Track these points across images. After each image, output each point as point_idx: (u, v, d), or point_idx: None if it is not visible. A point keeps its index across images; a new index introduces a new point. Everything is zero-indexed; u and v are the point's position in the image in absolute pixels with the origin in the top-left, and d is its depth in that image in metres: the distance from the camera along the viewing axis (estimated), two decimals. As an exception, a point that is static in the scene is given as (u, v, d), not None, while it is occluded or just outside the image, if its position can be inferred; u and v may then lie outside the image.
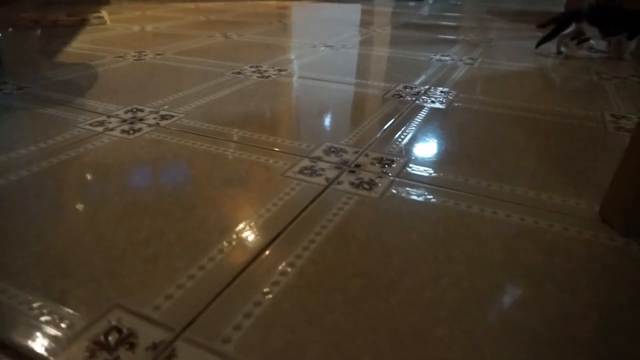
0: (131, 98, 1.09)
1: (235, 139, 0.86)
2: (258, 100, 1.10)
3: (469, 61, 1.56)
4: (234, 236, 0.57)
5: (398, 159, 0.79)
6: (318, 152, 0.81)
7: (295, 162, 0.77)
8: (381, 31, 2.16)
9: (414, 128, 0.94)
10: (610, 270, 0.52)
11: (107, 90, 1.15)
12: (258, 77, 1.30)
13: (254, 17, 2.51)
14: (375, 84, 1.25)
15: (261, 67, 1.41)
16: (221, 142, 0.85)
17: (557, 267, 0.53)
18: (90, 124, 0.92)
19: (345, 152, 0.81)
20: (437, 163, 0.78)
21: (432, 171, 0.75)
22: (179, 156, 0.79)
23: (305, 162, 0.77)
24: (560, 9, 3.13)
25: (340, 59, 1.55)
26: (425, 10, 3.12)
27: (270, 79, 1.28)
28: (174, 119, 0.96)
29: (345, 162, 0.77)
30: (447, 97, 1.15)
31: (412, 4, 3.62)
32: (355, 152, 0.81)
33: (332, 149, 0.82)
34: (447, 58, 1.59)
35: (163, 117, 0.97)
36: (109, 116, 0.97)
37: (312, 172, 0.73)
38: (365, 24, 2.41)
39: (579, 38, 1.64)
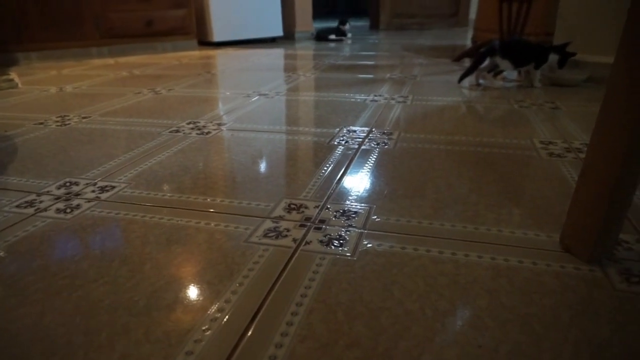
0: (61, 170, 1.00)
1: (189, 206, 0.82)
2: (204, 159, 1.05)
3: (401, 99, 1.63)
4: (209, 321, 0.52)
5: (360, 208, 0.78)
6: (279, 211, 0.78)
7: (258, 225, 0.74)
8: (311, 75, 2.21)
9: (368, 173, 0.94)
10: (586, 302, 0.54)
11: (32, 164, 1.05)
12: (198, 134, 1.26)
13: (180, 70, 2.47)
14: (319, 131, 1.26)
15: (199, 122, 1.37)
16: (174, 211, 0.80)
17: (538, 305, 0.54)
18: (17, 206, 0.83)
19: (307, 207, 0.79)
20: (399, 208, 0.79)
21: (396, 217, 0.75)
22: (130, 233, 0.73)
23: (268, 224, 0.74)
24: (465, 42, 3.42)
25: (278, 107, 1.55)
26: (346, 50, 3.26)
27: (211, 135, 1.25)
28: (116, 189, 0.89)
29: (309, 219, 0.75)
30: (391, 137, 1.19)
31: (332, 44, 3.77)
32: (317, 207, 0.79)
33: (293, 206, 0.80)
34: (381, 98, 1.65)
35: (103, 189, 0.89)
36: (38, 194, 0.88)
37: (278, 234, 0.71)
38: (292, 69, 2.46)
39: (494, 70, 1.79)
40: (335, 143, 1.15)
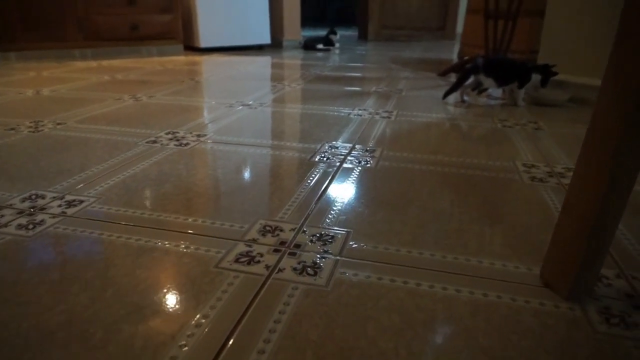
0: (28, 181, 0.96)
1: (159, 225, 0.78)
2: (179, 173, 1.02)
3: (385, 114, 1.61)
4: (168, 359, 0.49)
5: (338, 233, 0.76)
6: (253, 233, 0.75)
7: (230, 248, 0.71)
8: (296, 86, 2.19)
9: (348, 195, 0.92)
10: (565, 345, 0.52)
11: (-2, 174, 1.00)
12: (176, 145, 1.22)
13: (164, 76, 2.43)
14: (300, 146, 1.24)
15: (178, 133, 1.33)
16: (143, 230, 0.76)
17: (516, 348, 0.52)
18: (-23, 221, 0.79)
19: (282, 229, 0.77)
20: (378, 234, 0.76)
21: (374, 244, 0.73)
22: (94, 255, 0.69)
23: (241, 248, 0.71)
24: (451, 56, 3.44)
25: (260, 119, 1.53)
26: (334, 60, 3.26)
27: (189, 146, 1.21)
28: (84, 204, 0.85)
29: (283, 243, 0.72)
30: (373, 155, 1.17)
31: (319, 54, 3.76)
32: (293, 229, 0.77)
33: (268, 228, 0.77)
34: (365, 112, 1.64)
35: (70, 204, 0.85)
36: (0, 207, 0.84)
37: (250, 259, 0.68)
38: (278, 78, 2.44)
39: (478, 88, 1.79)
40: (317, 159, 1.13)
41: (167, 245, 0.71)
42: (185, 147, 1.20)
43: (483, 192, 0.95)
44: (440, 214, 0.84)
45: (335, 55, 3.67)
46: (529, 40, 2.50)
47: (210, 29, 3.76)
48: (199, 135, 1.31)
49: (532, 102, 1.86)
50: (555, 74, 1.78)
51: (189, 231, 0.76)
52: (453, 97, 1.88)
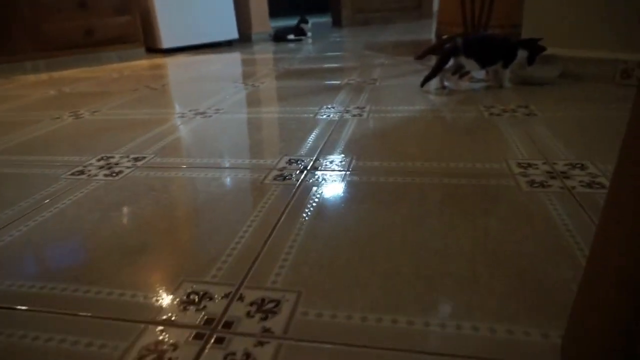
0: None
1: (51, 305, 0.59)
2: (97, 219, 0.82)
3: (356, 111, 1.42)
4: None
5: (284, 296, 0.57)
6: (171, 308, 0.56)
7: (134, 339, 0.52)
8: (260, 85, 1.99)
9: (303, 235, 0.73)
10: None
11: None
12: (106, 175, 1.02)
13: (118, 84, 2.21)
14: (254, 163, 1.04)
15: (113, 157, 1.13)
16: (28, 317, 0.57)
17: None
18: None
19: (211, 296, 0.58)
20: (338, 293, 0.58)
21: (331, 312, 0.54)
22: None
23: (150, 336, 0.52)
24: (429, 36, 3.25)
25: (214, 131, 1.33)
26: (306, 51, 3.04)
27: (122, 176, 1.01)
28: (-40, 279, 0.66)
29: (210, 321, 0.53)
30: (340, 168, 0.98)
31: (291, 45, 3.55)
32: (226, 296, 0.58)
33: (192, 297, 0.58)
34: (333, 111, 1.44)
35: (-57, 279, 0.66)
36: None
37: (159, 355, 0.49)
38: (244, 76, 2.23)
39: (460, 72, 1.60)
40: (270, 181, 0.93)
41: (50, 342, 0.52)
42: (116, 178, 1.00)
43: (472, 209, 0.77)
44: (419, 252, 0.66)
45: (307, 45, 3.46)
46: (509, 14, 2.31)
47: (172, 28, 3.53)
48: (136, 160, 1.11)
49: (520, 82, 1.68)
50: (544, 49, 1.59)
51: (87, 314, 0.57)
52: (433, 84, 1.69)
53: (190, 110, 1.57)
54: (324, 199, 0.84)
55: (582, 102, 1.38)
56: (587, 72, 1.64)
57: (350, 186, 0.89)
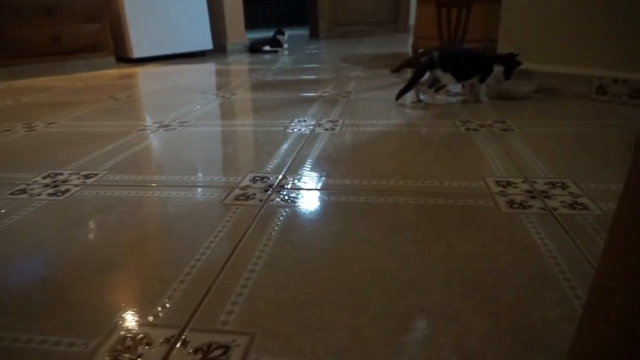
0: None
1: (-48, 353, 0.49)
2: (33, 245, 0.73)
3: (329, 125, 1.36)
4: None
5: (236, 344, 0.49)
6: (95, 353, 0.48)
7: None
8: (231, 96, 1.91)
9: (262, 260, 0.65)
10: None
11: None
12: (49, 195, 0.92)
13: (81, 95, 2.10)
14: (216, 180, 0.97)
15: (61, 174, 1.03)
16: None
17: None
18: None
19: (150, 342, 0.49)
20: (301, 344, 0.50)
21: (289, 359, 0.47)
22: None
23: (69, 394, 0.43)
24: (406, 49, 3.24)
25: (174, 145, 1.24)
26: (280, 63, 2.98)
27: (67, 195, 0.92)
28: None
29: (143, 375, 0.45)
30: (308, 186, 0.91)
31: (266, 57, 3.49)
32: (167, 341, 0.49)
33: (128, 344, 0.50)
34: (305, 125, 1.38)
35: None
36: None
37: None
38: (213, 88, 2.14)
39: (436, 85, 1.56)
40: (231, 201, 0.86)
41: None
42: (61, 197, 0.91)
43: (450, 235, 0.70)
44: (391, 284, 0.59)
45: (283, 57, 3.41)
46: (485, 28, 2.30)
47: (143, 37, 3.43)
48: (86, 177, 1.01)
49: (496, 96, 1.65)
50: (519, 63, 1.57)
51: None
52: (409, 97, 1.65)
53: (154, 123, 1.48)
54: (288, 222, 0.76)
55: (558, 118, 1.35)
56: (562, 88, 1.62)
57: (318, 207, 0.82)
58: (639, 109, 1.42)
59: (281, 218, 0.78)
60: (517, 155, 1.04)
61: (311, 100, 1.74)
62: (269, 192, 0.89)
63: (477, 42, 2.35)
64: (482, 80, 1.57)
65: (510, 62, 1.56)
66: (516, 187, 0.86)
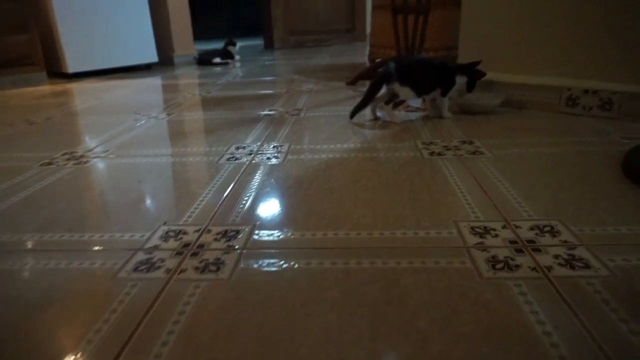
0: None
1: None
2: None
3: (272, 153, 1.15)
4: None
5: None
6: None
7: None
8: (166, 117, 1.67)
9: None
10: None
11: None
12: None
13: (-11, 118, 1.81)
14: (118, 238, 0.74)
15: None
16: None
17: None
18: None
19: None
20: None
21: None
22: None
23: None
24: (364, 59, 3.08)
25: (78, 185, 1.01)
26: (231, 75, 2.76)
27: None
28: None
29: None
30: (230, 249, 0.70)
31: (217, 69, 3.26)
32: None
33: None
34: (244, 152, 1.17)
35: None
36: None
37: None
38: (151, 106, 1.90)
39: (394, 101, 1.39)
40: (128, 273, 0.64)
41: None
42: None
43: (417, 322, 0.51)
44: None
45: (234, 69, 3.19)
46: (444, 35, 2.17)
47: (79, 51, 3.13)
48: (-58, 239, 0.76)
49: (459, 111, 1.49)
50: (484, 74, 1.42)
51: None
52: (365, 114, 1.47)
53: (64, 154, 1.23)
54: (200, 305, 0.55)
55: (530, 135, 1.20)
56: (530, 100, 1.48)
57: (239, 284, 0.61)
58: (612, 121, 1.29)
59: (191, 301, 0.56)
60: (491, 188, 0.87)
61: (256, 120, 1.53)
62: (183, 254, 0.67)
63: (436, 51, 2.22)
64: (444, 94, 1.41)
65: (473, 73, 1.41)
66: (496, 236, 0.69)
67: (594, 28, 1.32)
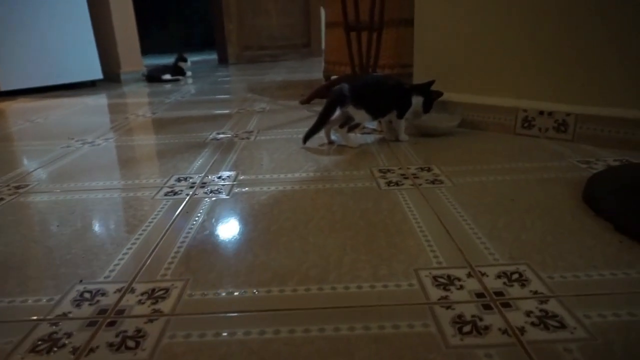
0: None
1: None
2: None
3: (215, 185, 1.05)
4: None
5: None
6: None
7: None
8: (102, 142, 1.53)
9: None
10: None
11: None
12: None
13: None
14: (17, 305, 0.61)
15: None
16: None
17: None
18: None
19: None
20: None
21: None
22: None
23: None
24: (320, 75, 3.03)
25: (-14, 231, 0.86)
26: (181, 93, 2.62)
27: None
28: None
29: None
30: (157, 314, 0.59)
31: (167, 86, 3.11)
32: None
33: None
34: (184, 186, 1.05)
35: None
36: None
37: None
38: (87, 129, 1.74)
39: (348, 124, 1.31)
40: (28, 348, 0.51)
41: None
42: None
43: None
44: None
45: (185, 86, 3.05)
46: (398, 53, 2.14)
47: (12, 67, 2.90)
48: None
49: (416, 133, 1.44)
50: (440, 94, 1.38)
51: None
52: (318, 138, 1.38)
53: (-26, 191, 1.07)
54: (104, 407, 0.44)
55: (488, 160, 1.16)
56: (486, 121, 1.45)
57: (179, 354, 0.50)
58: (567, 144, 1.27)
59: (93, 399, 0.45)
60: (453, 226, 0.80)
61: (202, 145, 1.42)
62: (97, 325, 0.56)
63: (391, 68, 2.18)
64: (400, 116, 1.36)
65: (430, 93, 1.36)
66: (461, 288, 0.61)
67: (548, 48, 1.30)
